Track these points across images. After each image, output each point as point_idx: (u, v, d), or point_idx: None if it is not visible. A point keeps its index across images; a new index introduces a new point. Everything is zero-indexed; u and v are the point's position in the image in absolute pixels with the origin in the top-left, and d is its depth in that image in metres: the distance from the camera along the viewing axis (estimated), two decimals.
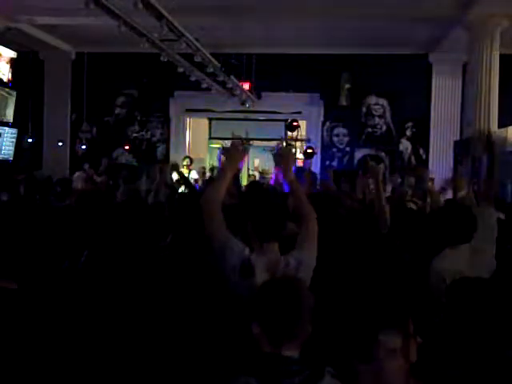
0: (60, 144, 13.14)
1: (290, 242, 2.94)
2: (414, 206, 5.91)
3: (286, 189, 3.59)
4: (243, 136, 13.47)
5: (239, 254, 2.80)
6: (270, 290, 2.09)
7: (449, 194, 5.55)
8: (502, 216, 3.73)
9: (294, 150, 3.38)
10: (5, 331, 2.16)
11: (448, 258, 3.14)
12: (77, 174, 11.13)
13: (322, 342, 2.08)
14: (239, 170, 3.67)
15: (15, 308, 2.26)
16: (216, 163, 12.54)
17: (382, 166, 12.73)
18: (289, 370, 1.90)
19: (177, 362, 2.55)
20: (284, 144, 3.18)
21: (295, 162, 3.26)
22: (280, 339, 1.97)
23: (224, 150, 3.10)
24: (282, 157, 3.18)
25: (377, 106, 12.86)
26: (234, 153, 3.07)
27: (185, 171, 10.64)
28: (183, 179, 6.68)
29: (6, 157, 12.19)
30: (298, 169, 11.99)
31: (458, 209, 3.40)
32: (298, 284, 2.20)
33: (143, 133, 13.43)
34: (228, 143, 3.08)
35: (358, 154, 12.93)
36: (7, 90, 11.84)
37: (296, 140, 12.47)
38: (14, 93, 12.03)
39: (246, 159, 11.12)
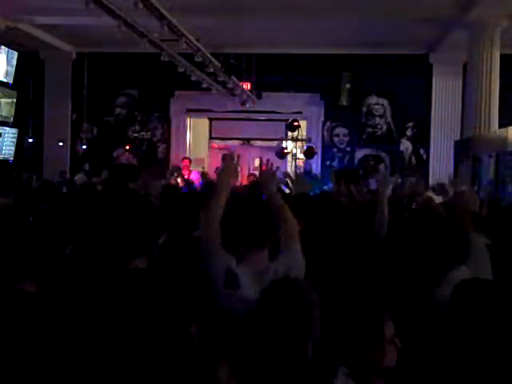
0: (60, 144, 13.15)
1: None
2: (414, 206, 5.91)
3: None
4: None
5: (224, 264, 2.71)
6: (277, 289, 2.10)
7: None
8: (487, 241, 3.70)
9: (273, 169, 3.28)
10: (24, 334, 2.16)
11: (449, 284, 3.10)
12: (78, 176, 11.16)
13: (335, 341, 2.09)
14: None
15: (34, 311, 2.25)
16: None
17: (382, 165, 12.76)
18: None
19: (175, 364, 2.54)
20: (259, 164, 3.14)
21: (274, 177, 3.17)
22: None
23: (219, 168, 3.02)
24: (262, 175, 3.18)
25: (377, 106, 12.86)
26: (228, 170, 3.00)
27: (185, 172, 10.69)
28: (185, 181, 6.79)
29: (6, 157, 12.19)
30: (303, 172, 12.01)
31: (449, 228, 3.35)
32: (303, 284, 2.23)
33: (143, 133, 13.43)
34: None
35: (359, 154, 12.93)
36: (7, 90, 11.84)
37: (296, 140, 12.48)
38: (14, 93, 12.04)
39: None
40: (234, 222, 2.85)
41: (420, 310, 2.86)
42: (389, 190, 4.39)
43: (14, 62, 11.75)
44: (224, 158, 3.01)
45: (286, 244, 2.89)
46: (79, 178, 10.76)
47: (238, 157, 3.03)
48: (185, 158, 12.08)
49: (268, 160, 3.28)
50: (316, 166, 12.63)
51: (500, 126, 9.24)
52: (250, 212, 2.86)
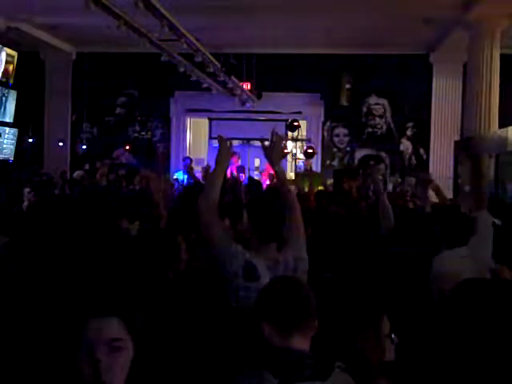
0: (60, 144, 13.14)
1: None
2: (412, 206, 5.92)
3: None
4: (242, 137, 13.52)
5: (241, 258, 2.78)
6: (275, 286, 2.13)
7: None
8: (498, 222, 3.72)
9: (284, 142, 3.25)
10: None
11: (446, 261, 3.14)
12: (76, 172, 11.14)
13: (331, 337, 2.11)
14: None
15: None
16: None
17: (382, 166, 12.77)
18: (300, 363, 1.92)
19: (183, 359, 2.55)
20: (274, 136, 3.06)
21: (284, 152, 3.19)
22: (290, 332, 2.00)
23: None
24: (272, 147, 3.14)
25: (377, 106, 12.86)
26: (223, 150, 3.03)
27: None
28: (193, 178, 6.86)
29: (6, 157, 12.19)
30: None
31: (454, 211, 3.40)
32: (300, 280, 2.27)
33: (143, 133, 13.43)
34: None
35: (359, 154, 12.93)
36: (7, 90, 11.84)
37: (296, 140, 12.48)
38: (14, 93, 12.03)
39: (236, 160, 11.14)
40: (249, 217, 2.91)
41: (418, 288, 2.89)
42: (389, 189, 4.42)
43: (14, 62, 11.74)
44: (219, 140, 3.04)
45: (293, 239, 2.93)
46: (78, 174, 10.75)
47: (230, 142, 3.07)
48: (186, 157, 12.12)
49: (276, 132, 3.25)
50: (316, 165, 12.62)
51: (500, 126, 9.24)
52: (265, 208, 2.91)
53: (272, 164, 3.12)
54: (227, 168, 3.09)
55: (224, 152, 3.01)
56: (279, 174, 3.07)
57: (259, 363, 1.93)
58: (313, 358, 1.96)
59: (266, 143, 3.13)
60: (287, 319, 2.01)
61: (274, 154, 3.10)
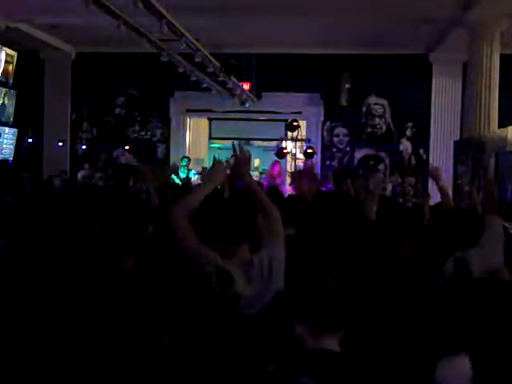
0: (60, 144, 13.13)
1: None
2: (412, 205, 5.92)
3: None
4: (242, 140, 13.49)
5: (213, 262, 2.67)
6: (305, 286, 2.10)
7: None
8: (507, 224, 3.71)
9: (247, 154, 3.18)
10: None
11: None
12: (81, 173, 11.19)
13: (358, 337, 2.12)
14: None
15: None
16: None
17: (381, 166, 12.77)
18: (336, 364, 1.91)
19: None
20: (238, 150, 3.03)
21: (249, 164, 3.15)
22: (323, 333, 1.99)
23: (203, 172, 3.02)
24: (237, 162, 3.10)
25: (377, 106, 12.85)
26: (215, 174, 2.97)
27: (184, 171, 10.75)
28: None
29: (6, 157, 12.18)
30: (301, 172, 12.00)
31: (464, 211, 3.38)
32: (328, 280, 2.22)
33: (143, 133, 13.42)
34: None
35: (358, 154, 12.92)
36: (7, 89, 11.83)
37: (296, 140, 12.48)
38: (14, 93, 12.02)
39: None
40: (215, 218, 2.83)
41: (427, 290, 2.88)
42: (389, 189, 4.41)
43: (14, 61, 11.73)
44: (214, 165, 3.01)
45: (269, 238, 2.87)
46: (83, 175, 10.79)
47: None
48: (184, 156, 12.08)
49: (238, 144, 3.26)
50: (315, 166, 12.61)
51: (500, 126, 9.23)
52: (234, 207, 2.84)
53: (241, 179, 3.08)
54: (215, 188, 3.03)
55: (215, 177, 2.97)
56: (251, 186, 3.03)
57: (293, 365, 1.91)
58: (345, 359, 1.95)
59: (232, 161, 3.13)
60: (320, 319, 1.99)
61: (241, 168, 3.07)
